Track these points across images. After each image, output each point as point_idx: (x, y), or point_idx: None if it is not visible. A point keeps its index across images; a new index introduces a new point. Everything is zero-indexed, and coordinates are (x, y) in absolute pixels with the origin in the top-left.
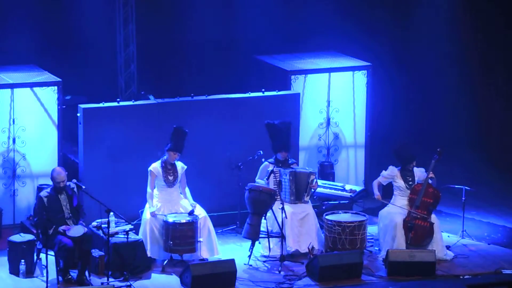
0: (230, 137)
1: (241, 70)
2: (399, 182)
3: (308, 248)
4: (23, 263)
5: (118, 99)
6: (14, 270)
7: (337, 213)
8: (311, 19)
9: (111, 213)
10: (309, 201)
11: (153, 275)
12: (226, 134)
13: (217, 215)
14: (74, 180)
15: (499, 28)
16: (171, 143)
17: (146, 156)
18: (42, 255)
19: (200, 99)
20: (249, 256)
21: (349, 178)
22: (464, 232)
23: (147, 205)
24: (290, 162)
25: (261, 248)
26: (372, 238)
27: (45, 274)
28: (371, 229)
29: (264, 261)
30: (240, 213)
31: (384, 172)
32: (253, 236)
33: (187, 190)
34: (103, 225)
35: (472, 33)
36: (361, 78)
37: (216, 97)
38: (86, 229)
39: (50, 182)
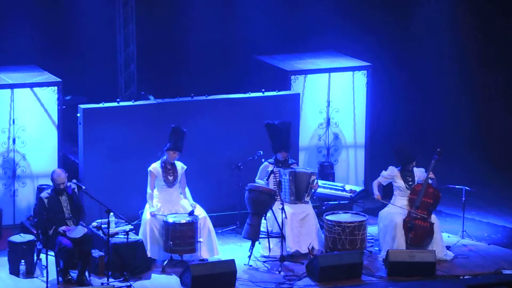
0: (230, 137)
1: (241, 70)
2: (399, 182)
3: (308, 249)
4: (23, 264)
5: (118, 99)
6: (14, 271)
7: (337, 214)
8: (311, 19)
9: (111, 214)
10: (309, 201)
11: (153, 275)
12: (226, 134)
13: (217, 215)
14: (74, 181)
15: (499, 28)
16: (170, 143)
17: (146, 156)
18: (42, 256)
19: (200, 99)
20: (249, 257)
21: (349, 178)
22: (464, 232)
23: (147, 206)
24: (290, 162)
25: (261, 248)
26: (372, 239)
27: (45, 275)
28: (371, 230)
29: (264, 262)
30: (240, 213)
31: (384, 172)
32: (253, 236)
33: (187, 190)
34: (103, 226)
35: (472, 33)
36: (361, 78)
37: (216, 97)
38: (86, 229)
39: (50, 183)
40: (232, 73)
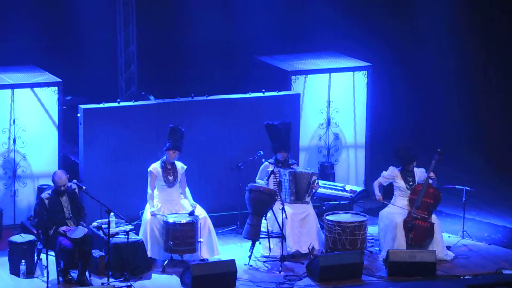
0: (230, 137)
1: (241, 70)
2: (400, 183)
3: (309, 249)
4: (23, 264)
5: (118, 100)
6: (14, 271)
7: (338, 214)
8: (311, 19)
9: (112, 214)
10: (310, 201)
11: (153, 275)
12: (226, 134)
13: (217, 215)
14: (75, 181)
15: (499, 27)
16: (169, 142)
17: (146, 156)
18: (43, 256)
19: (200, 99)
20: (250, 257)
21: (349, 178)
22: (465, 232)
23: (147, 206)
24: (290, 162)
25: (262, 248)
26: (372, 239)
27: (45, 275)
28: (372, 230)
29: (264, 262)
30: (241, 213)
31: (384, 173)
32: (254, 236)
33: (187, 190)
34: (103, 226)
35: (472, 33)
36: (361, 78)
37: (216, 97)
38: (86, 230)
39: (51, 183)
40: (233, 73)
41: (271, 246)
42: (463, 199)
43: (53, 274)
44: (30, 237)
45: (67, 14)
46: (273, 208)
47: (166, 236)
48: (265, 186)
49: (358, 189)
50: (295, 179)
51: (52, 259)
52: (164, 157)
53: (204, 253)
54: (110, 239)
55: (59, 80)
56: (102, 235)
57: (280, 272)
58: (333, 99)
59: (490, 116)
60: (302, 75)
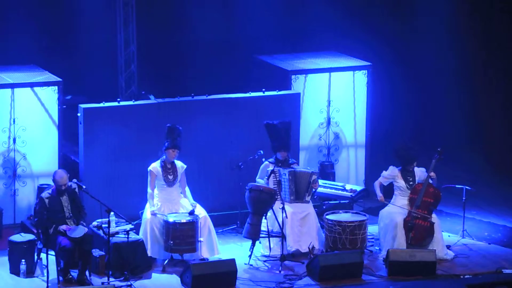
0: (230, 137)
1: (241, 70)
2: (400, 182)
3: (309, 248)
4: (23, 263)
5: (118, 99)
6: (14, 270)
7: (338, 213)
8: (311, 19)
9: (112, 213)
10: (310, 200)
11: (153, 274)
12: (226, 133)
13: (218, 214)
14: (75, 180)
15: (499, 27)
16: (168, 142)
17: (147, 155)
18: (43, 255)
19: (200, 99)
20: (250, 256)
21: (349, 177)
22: (465, 231)
23: (147, 205)
24: (290, 162)
25: (262, 247)
26: (372, 238)
27: (45, 274)
28: (372, 229)
29: (264, 261)
30: (241, 212)
31: (384, 173)
32: (254, 235)
33: (187, 189)
34: (103, 225)
35: (472, 33)
36: (361, 78)
37: (216, 97)
38: (86, 229)
39: (51, 182)
40: (233, 72)
41: (271, 246)
42: (463, 198)
43: (53, 274)
44: (30, 237)
45: (67, 14)
46: (273, 208)
47: (166, 235)
48: (265, 185)
49: (358, 188)
50: (295, 179)
51: (52, 258)
52: (164, 157)
53: (204, 252)
54: (110, 238)
55: (59, 79)
56: (102, 234)
57: (280, 271)
58: (333, 98)
59: (490, 116)
60: (302, 75)
